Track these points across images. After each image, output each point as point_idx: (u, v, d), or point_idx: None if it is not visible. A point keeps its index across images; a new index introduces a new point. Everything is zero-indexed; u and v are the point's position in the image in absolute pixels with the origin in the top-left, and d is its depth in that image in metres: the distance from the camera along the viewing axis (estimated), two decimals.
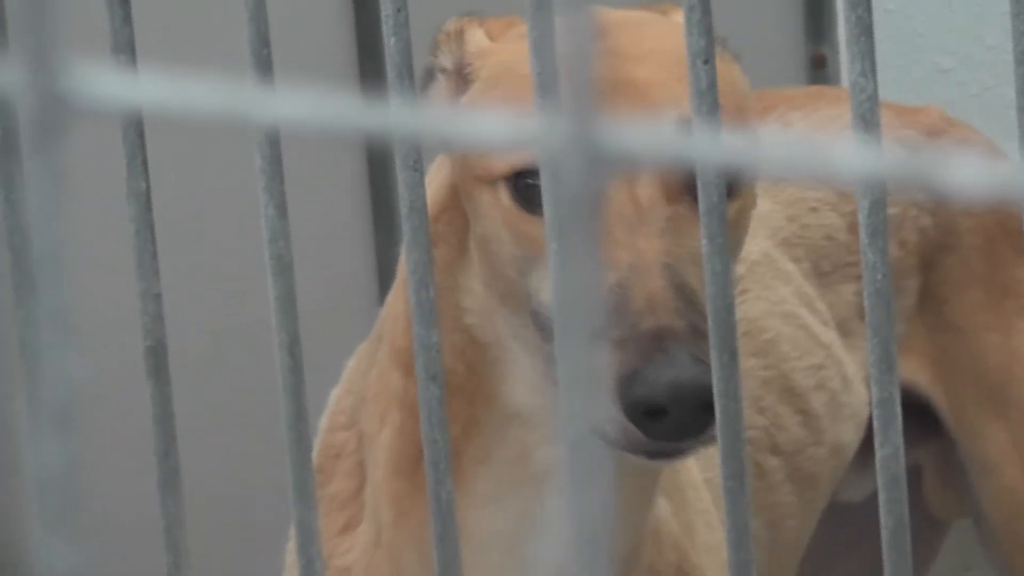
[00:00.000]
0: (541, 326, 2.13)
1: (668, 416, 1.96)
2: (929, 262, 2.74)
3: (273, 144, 1.81)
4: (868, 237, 1.73)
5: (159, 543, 1.85)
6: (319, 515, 2.09)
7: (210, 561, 2.36)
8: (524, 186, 2.19)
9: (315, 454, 2.25)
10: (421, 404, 1.91)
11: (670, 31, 2.28)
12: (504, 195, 2.22)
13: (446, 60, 2.26)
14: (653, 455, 2.05)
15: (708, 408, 1.88)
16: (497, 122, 0.50)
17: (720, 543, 2.33)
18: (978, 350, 2.71)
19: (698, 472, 2.53)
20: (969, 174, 0.45)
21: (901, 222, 2.71)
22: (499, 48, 2.29)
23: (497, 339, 2.26)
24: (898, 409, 1.82)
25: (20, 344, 1.48)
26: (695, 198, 2.01)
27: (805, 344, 2.62)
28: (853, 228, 2.51)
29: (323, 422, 2.41)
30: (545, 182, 1.77)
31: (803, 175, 2.03)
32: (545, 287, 2.08)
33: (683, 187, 2.18)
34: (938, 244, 2.74)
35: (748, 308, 2.58)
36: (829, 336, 2.67)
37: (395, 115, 0.58)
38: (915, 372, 2.72)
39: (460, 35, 2.23)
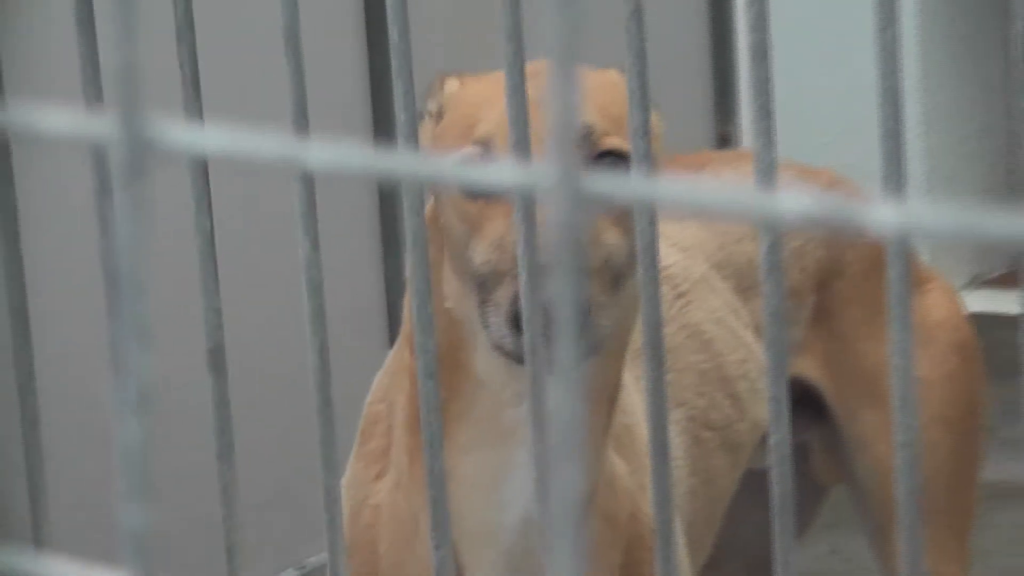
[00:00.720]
0: (476, 283, 2.18)
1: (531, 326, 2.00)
2: (822, 284, 2.82)
3: (308, 186, 1.82)
4: (766, 272, 1.72)
5: (217, 503, 1.88)
6: (362, 468, 2.31)
7: (260, 517, 2.39)
8: (598, 155, 2.22)
9: (360, 423, 2.39)
10: (420, 396, 1.91)
11: (610, 86, 2.30)
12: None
13: (432, 105, 2.31)
14: (520, 361, 2.05)
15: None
16: (493, 170, 0.52)
17: (677, 521, 2.43)
18: (858, 354, 2.80)
19: (678, 453, 2.56)
20: (854, 216, 0.47)
21: (802, 253, 2.79)
22: (461, 89, 2.34)
23: (467, 318, 2.27)
24: (786, 405, 1.80)
25: (110, 346, 1.47)
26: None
27: (733, 343, 2.70)
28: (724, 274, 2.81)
29: (367, 399, 2.46)
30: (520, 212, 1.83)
31: (727, 215, 2.07)
32: (476, 253, 2.14)
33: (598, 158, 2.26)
34: (829, 271, 2.83)
35: (691, 315, 2.67)
36: (749, 337, 2.75)
37: (403, 163, 0.57)
38: (810, 369, 2.81)
39: (442, 84, 2.28)
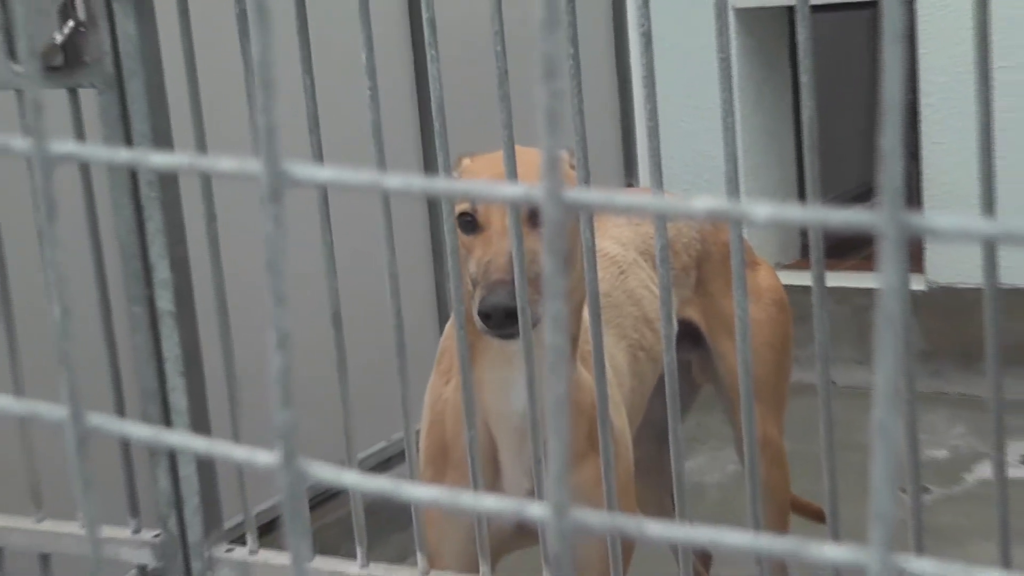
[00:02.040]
0: (471, 284, 2.21)
1: (491, 319, 2.05)
2: (700, 264, 2.89)
3: (387, 205, 1.88)
4: (660, 262, 1.78)
5: (332, 408, 1.95)
6: (437, 378, 2.37)
7: (361, 408, 2.45)
8: (463, 220, 2.24)
9: (436, 354, 2.44)
10: (457, 339, 1.99)
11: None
12: (456, 224, 2.25)
13: (455, 175, 2.31)
14: (495, 336, 2.12)
15: (511, 315, 2.02)
16: (502, 189, 0.53)
17: (619, 402, 2.54)
18: (719, 306, 2.83)
19: (619, 362, 2.64)
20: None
21: (688, 245, 2.87)
22: (470, 165, 2.35)
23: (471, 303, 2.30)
24: (673, 338, 1.95)
25: (270, 317, 1.50)
26: (533, 224, 2.20)
27: (652, 300, 2.69)
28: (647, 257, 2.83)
29: (441, 340, 2.51)
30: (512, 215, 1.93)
31: (654, 216, 2.07)
32: (469, 268, 2.19)
33: (531, 214, 2.24)
34: (704, 256, 2.89)
35: (628, 284, 2.70)
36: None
37: (444, 187, 0.56)
38: (693, 315, 2.86)
39: (459, 162, 2.29)
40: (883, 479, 0.45)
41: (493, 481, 2.37)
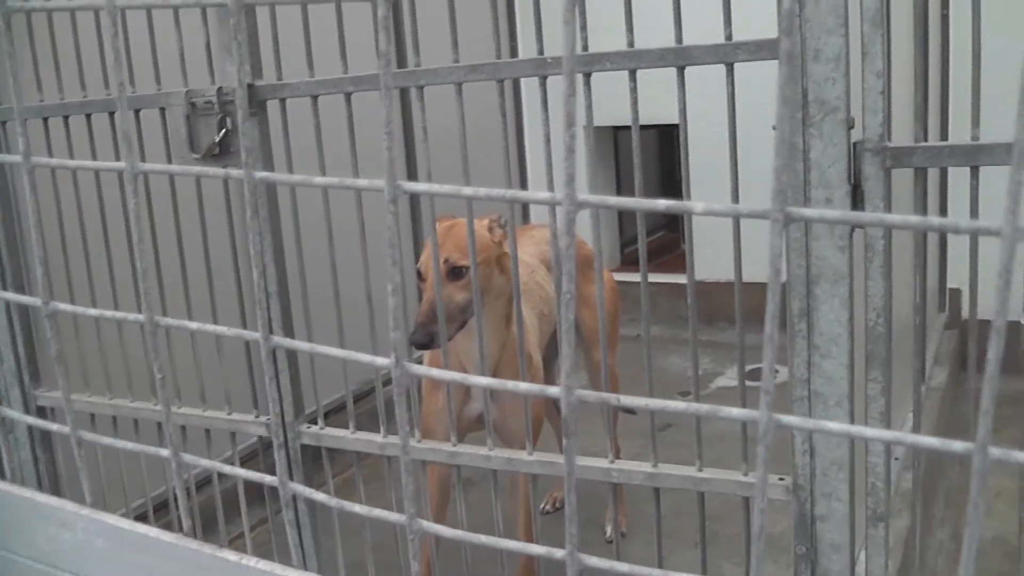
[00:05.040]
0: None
1: (416, 343, 2.35)
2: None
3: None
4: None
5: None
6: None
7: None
8: (418, 272, 2.61)
9: None
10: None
11: (460, 227, 2.67)
12: (416, 274, 2.61)
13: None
14: (418, 348, 2.40)
15: (420, 345, 2.37)
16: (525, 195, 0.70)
17: (535, 344, 2.92)
18: (581, 290, 3.21)
19: (532, 323, 3.01)
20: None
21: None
22: (439, 226, 2.56)
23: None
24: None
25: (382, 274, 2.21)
26: (457, 276, 2.59)
27: (549, 288, 3.09)
28: (547, 265, 3.17)
29: None
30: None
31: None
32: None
33: (449, 271, 2.62)
34: (579, 264, 3.18)
35: (536, 277, 3.11)
36: (551, 287, 3.14)
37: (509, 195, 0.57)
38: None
39: (435, 222, 2.37)
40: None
41: (465, 394, 2.81)
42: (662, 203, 0.55)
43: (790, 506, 1.73)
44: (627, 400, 0.60)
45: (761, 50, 1.60)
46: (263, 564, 0.79)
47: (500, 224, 2.60)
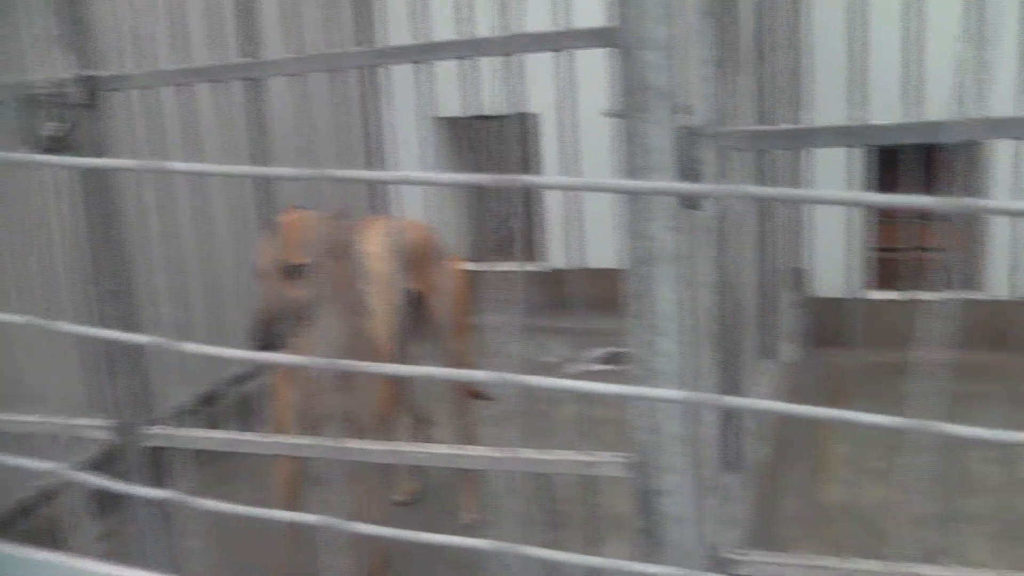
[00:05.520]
0: None
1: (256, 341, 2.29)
2: (419, 258, 3.24)
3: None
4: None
5: None
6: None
7: None
8: (287, 267, 2.52)
9: None
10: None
11: (302, 221, 2.59)
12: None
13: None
14: (259, 349, 2.33)
15: (261, 348, 2.31)
16: None
17: (388, 331, 2.90)
18: (433, 281, 3.23)
19: (384, 313, 2.96)
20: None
21: (413, 245, 3.23)
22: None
23: None
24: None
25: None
26: (296, 274, 2.51)
27: (401, 280, 3.08)
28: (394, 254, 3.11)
29: None
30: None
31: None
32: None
33: (287, 269, 2.52)
34: (422, 252, 3.25)
35: (391, 269, 3.08)
36: (399, 274, 3.14)
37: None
38: (418, 286, 3.21)
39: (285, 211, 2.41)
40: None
41: (316, 387, 2.76)
42: (515, 179, 0.58)
43: (633, 482, 1.77)
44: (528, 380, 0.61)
45: (593, 38, 1.64)
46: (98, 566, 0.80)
47: (345, 216, 2.57)
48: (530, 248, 6.88)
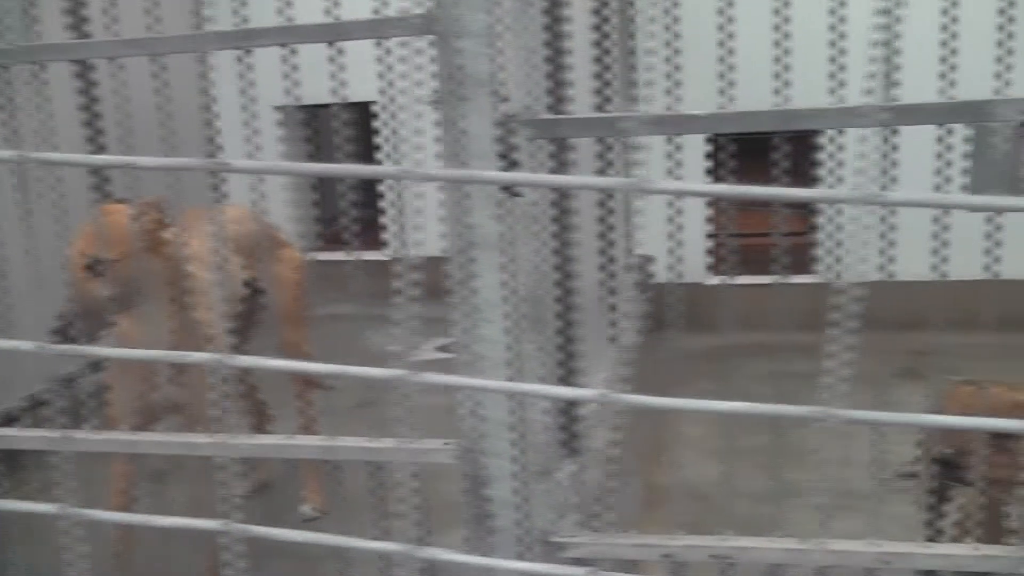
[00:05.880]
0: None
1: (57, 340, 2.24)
2: (256, 247, 3.25)
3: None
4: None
5: None
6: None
7: None
8: (89, 264, 2.47)
9: None
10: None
11: (113, 217, 2.56)
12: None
13: None
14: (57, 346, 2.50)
15: (58, 340, 2.22)
16: None
17: (216, 328, 2.80)
18: (269, 270, 3.25)
19: (218, 297, 2.96)
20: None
21: (249, 236, 3.24)
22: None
23: None
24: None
25: None
26: (99, 271, 2.44)
27: (235, 268, 3.11)
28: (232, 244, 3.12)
29: None
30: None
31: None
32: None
33: (90, 265, 2.48)
34: (258, 242, 3.26)
35: (223, 261, 3.09)
36: (236, 263, 3.19)
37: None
38: (255, 274, 3.24)
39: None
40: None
41: (152, 381, 2.74)
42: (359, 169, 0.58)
43: (461, 468, 1.79)
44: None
45: (412, 25, 1.64)
46: None
47: (156, 208, 2.50)
48: (374, 237, 6.85)
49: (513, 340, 1.72)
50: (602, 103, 3.37)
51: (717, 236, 5.68)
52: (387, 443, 1.91)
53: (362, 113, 7.39)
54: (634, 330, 4.46)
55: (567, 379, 2.33)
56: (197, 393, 2.67)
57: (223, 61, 1.93)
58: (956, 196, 0.52)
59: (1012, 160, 1.79)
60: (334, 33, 1.74)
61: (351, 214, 2.38)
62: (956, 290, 2.72)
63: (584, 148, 2.92)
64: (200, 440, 2.13)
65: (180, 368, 2.66)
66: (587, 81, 3.20)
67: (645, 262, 5.29)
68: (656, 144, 1.91)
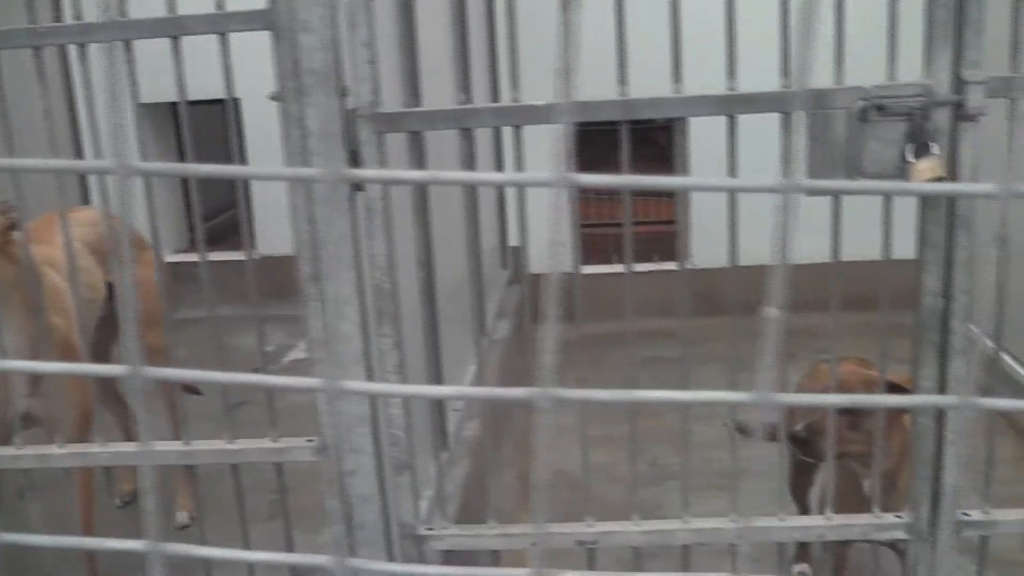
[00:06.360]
0: None
1: None
2: (105, 250, 3.13)
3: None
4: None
5: None
6: None
7: None
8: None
9: None
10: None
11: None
12: None
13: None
14: None
15: None
16: None
17: (75, 335, 2.73)
18: (136, 273, 3.05)
19: (73, 311, 2.70)
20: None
21: (96, 240, 3.15)
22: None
23: None
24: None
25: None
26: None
27: (93, 271, 3.05)
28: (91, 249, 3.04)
29: None
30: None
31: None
32: None
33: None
34: (106, 245, 3.10)
35: (80, 263, 2.77)
36: (94, 264, 3.12)
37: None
38: (109, 279, 3.13)
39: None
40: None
41: (5, 393, 2.66)
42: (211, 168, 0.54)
43: (321, 466, 1.78)
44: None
45: (250, 20, 1.62)
46: None
47: (2, 212, 2.46)
48: (248, 236, 6.72)
49: (369, 336, 1.71)
50: (466, 96, 3.35)
51: (586, 227, 5.74)
52: (246, 444, 1.89)
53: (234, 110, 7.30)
54: (507, 321, 4.45)
55: (434, 372, 2.33)
56: (56, 403, 2.58)
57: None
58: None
59: (852, 145, 1.84)
60: (173, 28, 1.71)
61: (213, 216, 2.28)
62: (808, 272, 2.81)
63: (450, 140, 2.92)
64: (56, 452, 2.06)
65: (36, 379, 2.59)
66: (450, 74, 3.22)
67: (517, 253, 5.32)
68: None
